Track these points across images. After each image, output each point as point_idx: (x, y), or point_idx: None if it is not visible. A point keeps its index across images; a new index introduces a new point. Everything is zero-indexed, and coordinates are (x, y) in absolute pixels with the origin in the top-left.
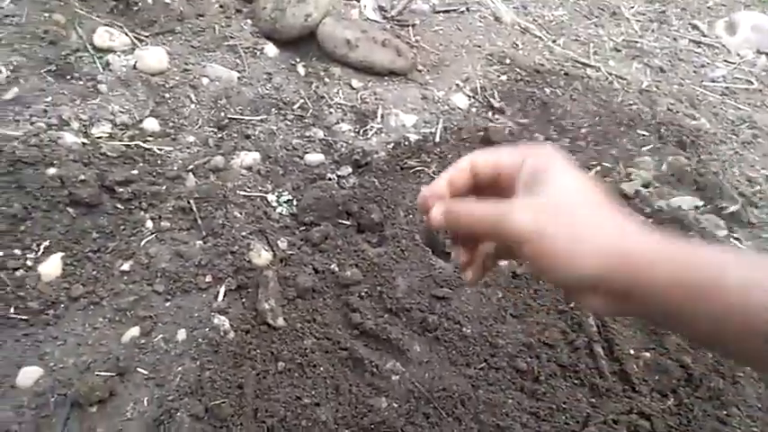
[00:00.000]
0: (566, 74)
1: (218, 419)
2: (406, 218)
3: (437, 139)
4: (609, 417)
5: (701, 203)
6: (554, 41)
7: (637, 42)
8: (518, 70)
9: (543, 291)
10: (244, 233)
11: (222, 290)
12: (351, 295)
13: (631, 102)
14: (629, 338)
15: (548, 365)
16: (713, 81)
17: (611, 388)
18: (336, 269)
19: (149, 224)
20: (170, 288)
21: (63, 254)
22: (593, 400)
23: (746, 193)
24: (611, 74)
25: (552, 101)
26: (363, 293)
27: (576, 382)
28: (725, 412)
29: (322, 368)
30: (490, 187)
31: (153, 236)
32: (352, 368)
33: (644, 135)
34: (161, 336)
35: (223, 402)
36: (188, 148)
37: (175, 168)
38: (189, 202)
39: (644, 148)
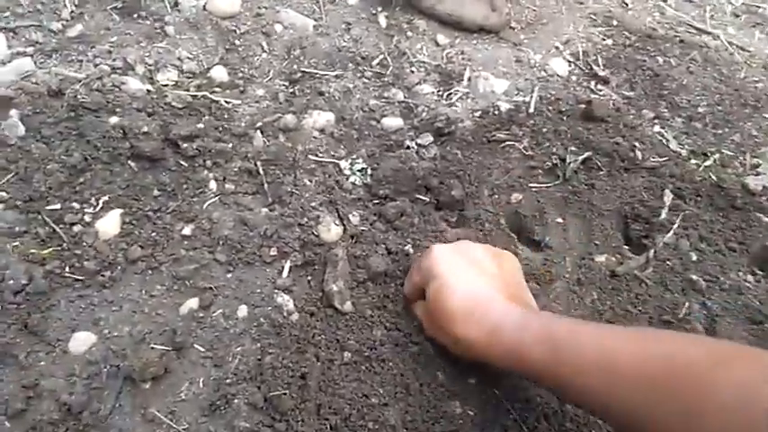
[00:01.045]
0: (681, 41)
1: (278, 412)
2: (490, 197)
3: (531, 110)
4: None
5: None
6: (665, 1)
7: (759, 7)
8: (626, 34)
9: (646, 296)
10: (313, 203)
11: (287, 265)
12: None
13: (757, 79)
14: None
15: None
16: None
17: None
18: (412, 251)
19: (213, 185)
20: (232, 258)
21: (122, 211)
22: None
23: None
24: (731, 43)
25: (665, 72)
26: None
27: None
28: None
29: (391, 363)
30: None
31: (216, 198)
32: (424, 365)
33: None
34: (221, 311)
35: (284, 393)
36: (257, 102)
37: (243, 125)
38: (256, 164)
39: None
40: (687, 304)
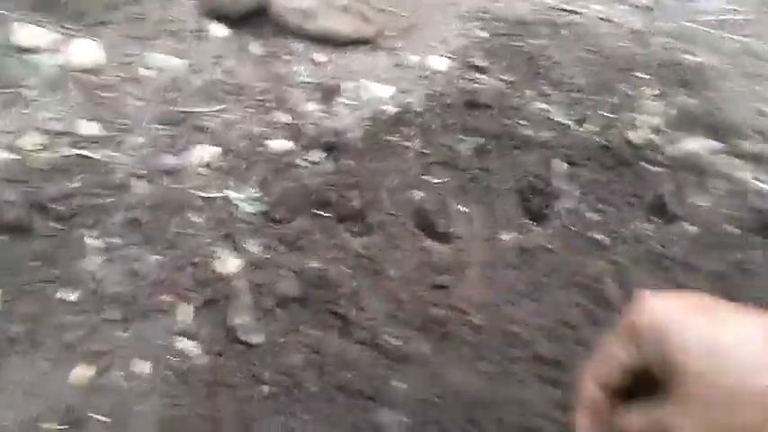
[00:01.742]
0: (551, 23)
1: None
2: (391, 201)
3: (418, 109)
4: None
5: (718, 146)
6: None
7: None
8: (499, 24)
9: (557, 264)
10: (207, 240)
11: (186, 308)
12: (338, 297)
13: (623, 44)
14: None
15: (573, 349)
16: (704, 14)
17: None
18: (318, 267)
19: (94, 243)
20: (125, 315)
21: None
22: None
23: (763, 129)
24: (598, 18)
25: (540, 53)
26: (352, 293)
27: None
28: None
29: (314, 388)
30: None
31: (100, 257)
32: (347, 381)
33: (643, 78)
34: (120, 373)
35: None
36: (135, 150)
37: (122, 175)
38: (139, 213)
39: (646, 92)
40: (595, 263)
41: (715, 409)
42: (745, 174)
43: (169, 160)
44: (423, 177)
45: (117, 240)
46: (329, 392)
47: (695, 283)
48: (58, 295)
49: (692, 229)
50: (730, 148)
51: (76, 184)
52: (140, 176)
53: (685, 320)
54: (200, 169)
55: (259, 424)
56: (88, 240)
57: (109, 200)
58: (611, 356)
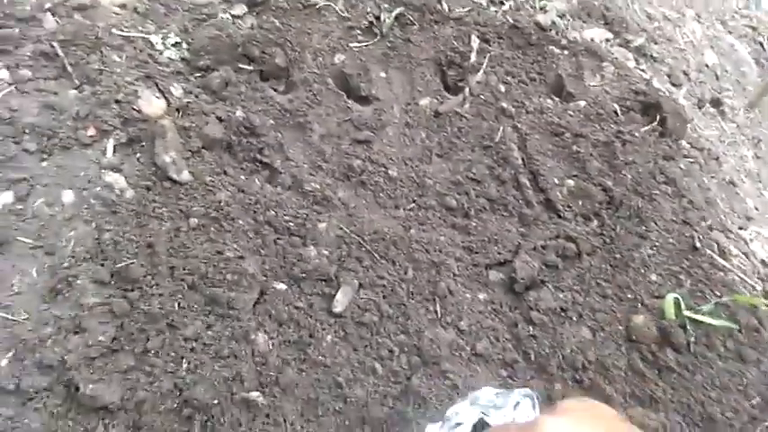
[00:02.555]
0: None
1: (128, 281)
2: (315, 61)
3: None
4: (538, 243)
5: (610, 36)
6: None
7: None
8: None
9: (467, 128)
10: (128, 79)
11: (111, 144)
12: (264, 146)
13: None
14: (553, 168)
15: (477, 200)
16: None
17: (539, 216)
18: (242, 117)
19: (4, 74)
20: (44, 146)
21: None
22: (523, 229)
23: (648, 28)
24: None
25: None
26: (273, 143)
27: (504, 213)
28: (644, 228)
29: (241, 221)
30: None
31: (12, 87)
32: (274, 219)
33: None
34: (41, 200)
35: (131, 263)
36: None
37: (28, 8)
38: (52, 46)
39: None
40: (501, 129)
41: None
42: (631, 62)
43: None
44: (345, 41)
45: (28, 72)
46: (257, 228)
47: (585, 150)
48: None
49: (585, 105)
50: (620, 40)
51: None
52: (48, 10)
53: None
54: (115, 8)
55: (191, 250)
56: None
57: (16, 30)
58: None
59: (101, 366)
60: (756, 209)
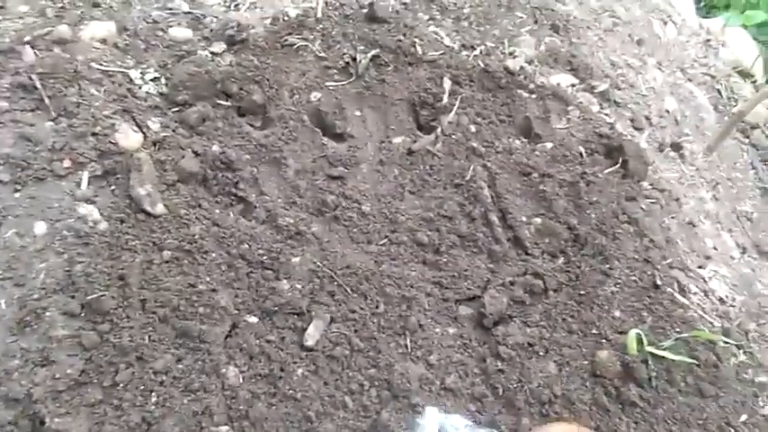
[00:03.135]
0: None
1: (99, 314)
2: (291, 98)
3: (319, 15)
4: (506, 279)
5: (576, 81)
6: None
7: None
8: None
9: (439, 166)
10: (105, 112)
11: (86, 176)
12: (239, 180)
13: None
14: (521, 206)
15: (447, 237)
16: None
17: (507, 253)
18: (219, 152)
19: None
20: (18, 176)
21: None
22: (492, 265)
23: (611, 75)
24: None
25: None
26: (249, 177)
27: (474, 250)
28: (608, 266)
29: (214, 254)
30: None
31: None
32: (248, 253)
33: (521, 17)
34: (13, 230)
35: (102, 296)
36: (20, 18)
37: (8, 40)
38: (31, 78)
39: (523, 30)
40: (472, 167)
41: None
42: (595, 107)
43: (61, 29)
44: (322, 80)
45: (5, 104)
46: (231, 261)
47: (551, 189)
48: None
49: (551, 146)
50: (585, 86)
51: None
52: (28, 44)
53: None
54: (96, 43)
55: (163, 282)
56: None
57: None
58: None
59: (68, 400)
60: (715, 248)
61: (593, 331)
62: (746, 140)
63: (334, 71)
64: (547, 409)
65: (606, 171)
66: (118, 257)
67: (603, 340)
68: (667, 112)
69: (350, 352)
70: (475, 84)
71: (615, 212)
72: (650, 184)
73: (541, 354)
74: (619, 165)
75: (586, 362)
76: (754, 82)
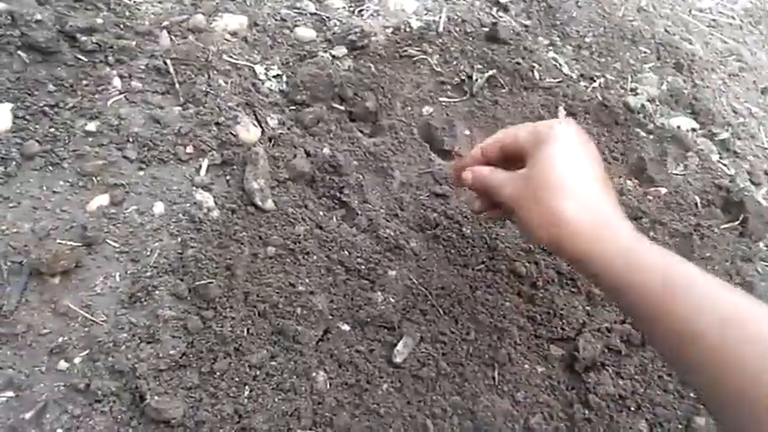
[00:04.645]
0: None
1: (204, 300)
2: (403, 109)
3: (440, 29)
4: (603, 325)
5: (696, 126)
6: None
7: None
8: None
9: None
10: (230, 104)
11: (205, 163)
12: (345, 185)
13: (631, 18)
14: None
15: (546, 272)
16: (701, 11)
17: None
18: (329, 154)
19: (117, 82)
20: (144, 156)
21: (13, 105)
22: (589, 308)
23: (733, 123)
24: None
25: (557, 5)
26: (354, 183)
27: (573, 290)
28: None
29: (315, 257)
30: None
31: (122, 96)
32: (347, 259)
33: (645, 53)
34: (134, 207)
35: (210, 283)
36: (159, 2)
37: (147, 23)
38: (165, 62)
39: (645, 66)
40: None
41: (533, 189)
42: (715, 155)
43: (197, 18)
44: (435, 95)
45: (139, 84)
46: (330, 265)
47: (661, 237)
48: (78, 123)
49: (665, 192)
50: (705, 131)
51: (101, 20)
52: (165, 28)
53: (569, 140)
54: (227, 35)
55: (266, 278)
56: (111, 77)
57: (133, 43)
58: (498, 138)
59: (168, 380)
60: None
61: (692, 394)
62: None
63: (449, 87)
64: None
65: (723, 226)
66: (227, 247)
67: (701, 405)
68: None
69: (436, 374)
70: (590, 116)
71: (728, 272)
72: (766, 246)
73: (633, 409)
74: (737, 222)
75: (681, 426)
76: None
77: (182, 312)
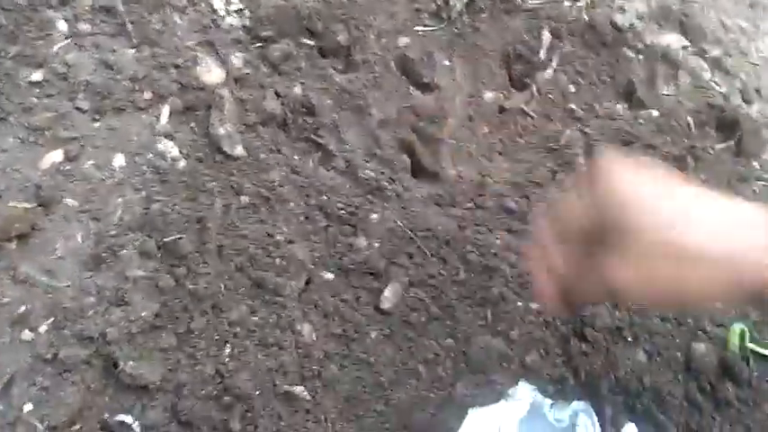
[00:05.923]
0: None
1: (176, 257)
2: (377, 42)
3: None
4: None
5: (687, 44)
6: None
7: None
8: None
9: (531, 127)
10: (188, 44)
11: (166, 110)
12: (320, 126)
13: None
14: None
15: (536, 206)
16: None
17: None
18: (300, 94)
19: (62, 26)
20: (98, 105)
21: None
22: None
23: (723, 40)
24: None
25: None
26: (329, 124)
27: None
28: None
29: (293, 203)
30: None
31: (68, 41)
32: (326, 204)
33: None
34: (91, 162)
35: (180, 238)
36: None
37: None
38: (114, 1)
39: None
40: (568, 132)
41: (649, 261)
42: (707, 74)
43: None
44: (411, 24)
45: (87, 26)
46: (309, 212)
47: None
48: (22, 74)
49: (657, 114)
50: (697, 49)
51: None
52: None
53: (639, 188)
54: None
55: (241, 229)
56: (55, 21)
57: None
58: (568, 210)
59: (142, 343)
60: None
61: (690, 321)
62: None
63: (425, 15)
64: (633, 400)
65: (718, 147)
66: (195, 199)
67: (700, 332)
68: None
69: (426, 319)
70: (576, 39)
71: (724, 193)
72: (760, 166)
73: (630, 340)
74: (732, 141)
75: (680, 354)
76: None
77: (152, 271)
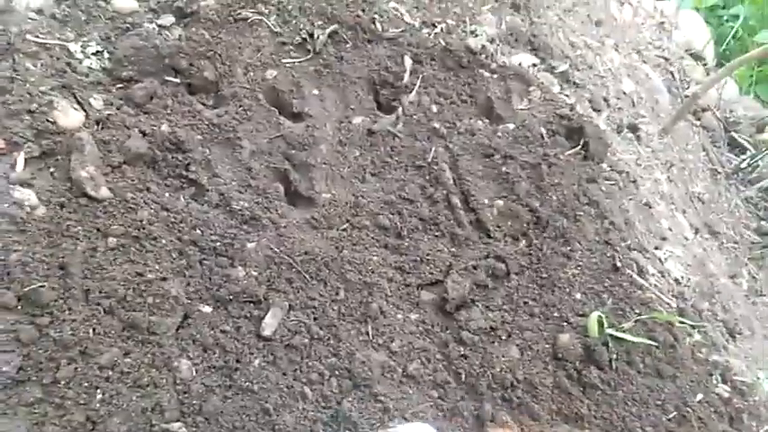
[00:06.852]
0: None
1: (37, 306)
2: (245, 75)
3: None
4: (469, 263)
5: (537, 61)
6: None
7: None
8: None
9: (400, 147)
10: (42, 88)
11: (21, 157)
12: (191, 162)
13: None
14: (483, 188)
15: (409, 220)
16: None
17: (470, 236)
18: (168, 131)
19: None
20: None
21: None
22: (454, 249)
23: (571, 56)
24: None
25: None
26: (201, 159)
27: (437, 233)
28: (569, 248)
29: (164, 240)
30: None
31: None
32: (200, 239)
33: None
34: None
35: (41, 286)
36: None
37: None
38: None
39: (484, 8)
40: (433, 149)
41: None
42: (556, 87)
43: None
44: (277, 57)
45: None
46: (182, 248)
47: (513, 171)
48: None
49: (513, 127)
50: (546, 66)
51: None
52: None
53: None
54: (31, 13)
55: (108, 271)
56: None
57: None
58: None
59: (4, 400)
60: (670, 229)
61: (555, 314)
62: (698, 122)
63: (291, 48)
64: (509, 394)
65: (567, 153)
66: (58, 245)
67: (565, 323)
68: (624, 93)
69: (309, 341)
70: (436, 62)
71: (576, 194)
72: (609, 166)
73: (504, 338)
74: (579, 146)
75: (548, 345)
76: (705, 65)
77: (11, 324)
